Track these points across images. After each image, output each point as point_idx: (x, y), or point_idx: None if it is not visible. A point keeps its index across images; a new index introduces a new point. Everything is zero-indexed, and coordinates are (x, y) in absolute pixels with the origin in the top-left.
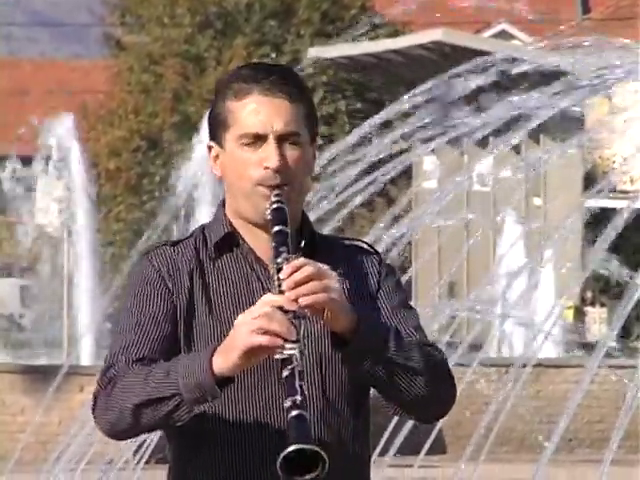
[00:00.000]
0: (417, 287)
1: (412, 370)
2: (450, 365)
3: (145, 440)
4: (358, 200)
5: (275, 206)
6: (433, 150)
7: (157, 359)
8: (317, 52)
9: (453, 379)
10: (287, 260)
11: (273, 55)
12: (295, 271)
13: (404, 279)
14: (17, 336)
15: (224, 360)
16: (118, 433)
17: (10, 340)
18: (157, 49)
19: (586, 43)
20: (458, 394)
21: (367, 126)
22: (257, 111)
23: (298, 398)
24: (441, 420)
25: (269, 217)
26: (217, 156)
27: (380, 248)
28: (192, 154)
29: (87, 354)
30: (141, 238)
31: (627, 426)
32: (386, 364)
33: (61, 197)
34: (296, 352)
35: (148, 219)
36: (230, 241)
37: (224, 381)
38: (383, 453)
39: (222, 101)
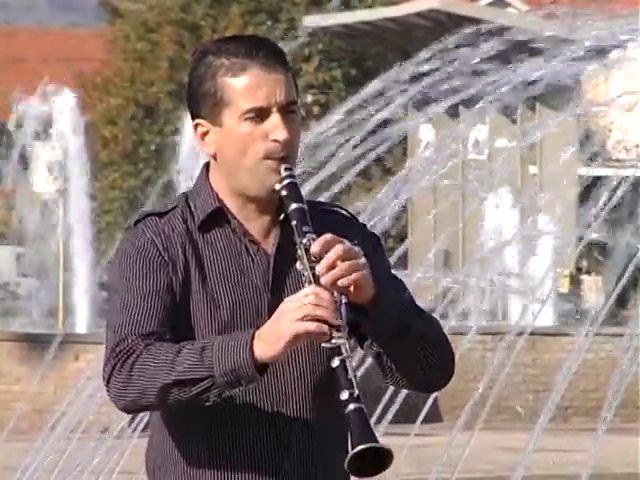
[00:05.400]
0: (412, 256)
1: (426, 337)
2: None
3: None
4: (354, 169)
5: (288, 181)
6: (430, 119)
7: (165, 333)
8: (313, 20)
9: (452, 350)
10: (313, 240)
11: (269, 23)
12: (326, 250)
13: (401, 248)
14: (12, 304)
15: (268, 348)
16: (135, 409)
17: (5, 308)
18: (153, 17)
19: (580, 11)
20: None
21: (363, 94)
22: (259, 85)
23: (355, 391)
24: None
25: (284, 193)
26: (206, 133)
27: (377, 217)
28: (188, 122)
29: (82, 323)
30: (136, 206)
31: (623, 395)
32: (402, 332)
33: (57, 164)
34: (345, 341)
35: (144, 187)
36: (218, 217)
37: (263, 367)
38: (379, 421)
39: (212, 78)
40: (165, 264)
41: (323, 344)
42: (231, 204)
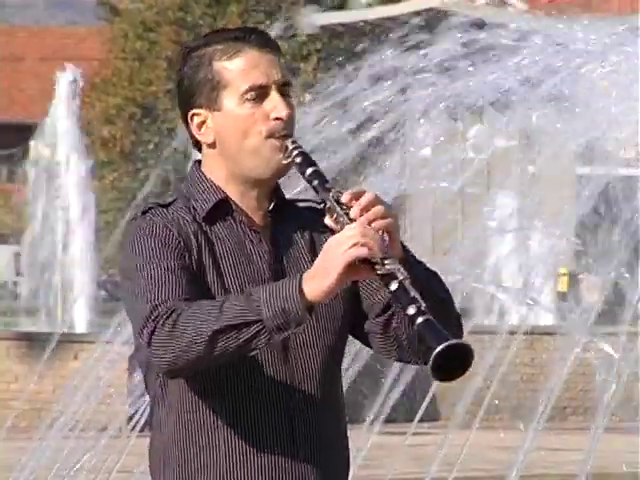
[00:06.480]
0: None
1: (445, 298)
2: None
3: (139, 408)
4: (346, 163)
5: (298, 151)
6: (425, 113)
7: (196, 300)
8: (311, 19)
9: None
10: (340, 192)
11: (267, 22)
12: (356, 198)
13: None
14: (11, 303)
15: (318, 285)
16: (179, 367)
17: (4, 307)
18: (151, 16)
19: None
20: None
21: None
22: (255, 65)
23: (422, 304)
24: (434, 387)
25: (297, 160)
26: (203, 122)
27: None
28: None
29: (81, 322)
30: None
31: (622, 394)
32: (425, 293)
33: (56, 164)
34: (398, 265)
35: (142, 187)
36: (221, 208)
37: (311, 308)
38: (375, 420)
39: (208, 65)
40: (182, 247)
41: (378, 271)
42: (232, 194)
